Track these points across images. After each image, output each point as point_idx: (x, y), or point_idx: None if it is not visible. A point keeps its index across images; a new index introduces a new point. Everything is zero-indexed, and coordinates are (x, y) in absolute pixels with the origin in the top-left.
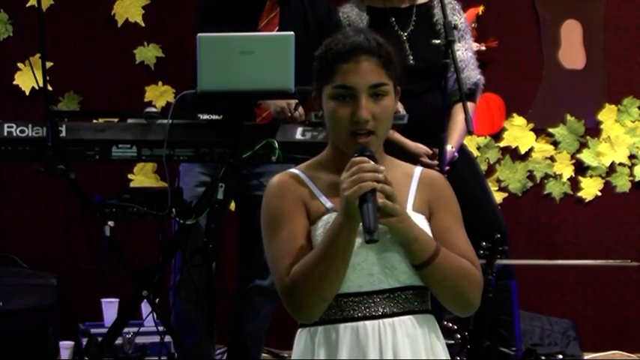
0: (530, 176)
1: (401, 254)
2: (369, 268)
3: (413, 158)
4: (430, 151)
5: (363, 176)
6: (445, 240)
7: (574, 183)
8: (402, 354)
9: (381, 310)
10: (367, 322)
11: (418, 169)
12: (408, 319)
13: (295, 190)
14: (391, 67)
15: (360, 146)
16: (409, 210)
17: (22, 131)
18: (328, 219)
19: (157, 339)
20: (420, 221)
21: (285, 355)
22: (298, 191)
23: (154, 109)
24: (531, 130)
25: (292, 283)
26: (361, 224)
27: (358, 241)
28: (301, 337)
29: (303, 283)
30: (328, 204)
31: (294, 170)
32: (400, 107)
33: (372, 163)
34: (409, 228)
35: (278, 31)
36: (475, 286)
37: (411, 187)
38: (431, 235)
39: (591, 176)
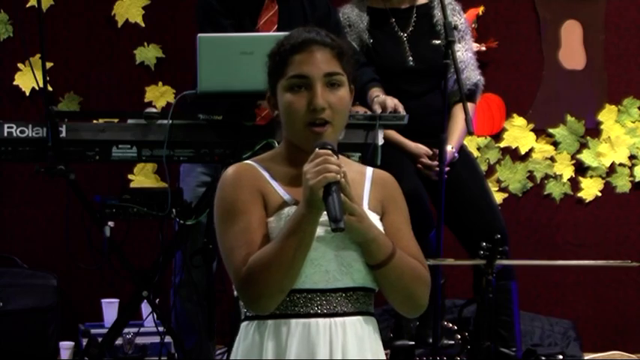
0: (531, 177)
1: (358, 253)
2: (326, 265)
3: (413, 158)
4: (430, 152)
5: (328, 167)
6: (397, 240)
7: (574, 183)
8: (351, 354)
9: (333, 309)
10: (319, 320)
11: (369, 169)
12: (356, 320)
13: (252, 181)
14: (344, 60)
15: (320, 140)
16: (365, 209)
17: (22, 131)
18: (288, 212)
19: (157, 339)
20: (375, 220)
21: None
22: (255, 182)
23: (154, 110)
24: (531, 130)
25: (249, 274)
26: (325, 214)
27: (318, 235)
28: (248, 330)
29: (261, 273)
30: (287, 196)
31: (249, 161)
32: (400, 107)
33: (335, 158)
34: (368, 228)
35: (277, 29)
36: (425, 288)
37: (365, 186)
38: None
39: (591, 177)
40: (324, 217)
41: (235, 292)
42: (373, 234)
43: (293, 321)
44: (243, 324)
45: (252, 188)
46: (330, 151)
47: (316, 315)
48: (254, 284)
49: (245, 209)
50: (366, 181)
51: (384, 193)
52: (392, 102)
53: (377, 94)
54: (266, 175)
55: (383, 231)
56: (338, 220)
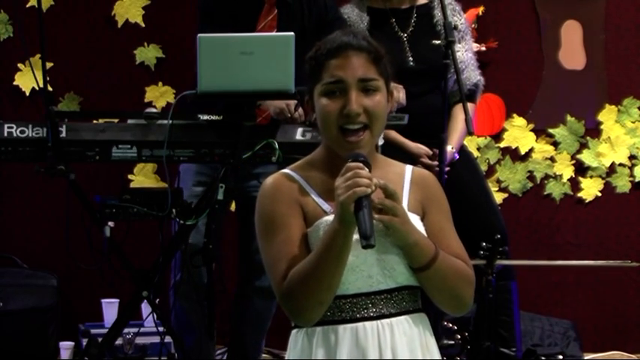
0: (531, 177)
1: (400, 256)
2: (368, 270)
3: (413, 159)
4: (430, 152)
5: (358, 181)
6: (439, 240)
7: (574, 183)
8: (401, 354)
9: (380, 311)
10: (366, 323)
11: (409, 168)
12: (404, 319)
13: (290, 192)
14: (381, 65)
15: (354, 152)
16: (405, 210)
17: (22, 132)
18: (327, 221)
19: (157, 339)
20: (416, 221)
21: (285, 356)
22: (294, 193)
23: (154, 110)
24: (531, 130)
25: (290, 288)
26: (357, 229)
27: (356, 243)
28: (297, 338)
29: (300, 287)
30: (325, 206)
31: (287, 171)
32: (403, 99)
33: (367, 170)
34: (410, 232)
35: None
36: (470, 286)
37: (405, 186)
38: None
39: (591, 177)
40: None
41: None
42: (415, 237)
43: (340, 327)
44: (293, 332)
45: (291, 200)
46: (361, 164)
47: (363, 319)
48: (294, 298)
49: (284, 222)
50: (405, 182)
51: (423, 193)
52: (396, 93)
53: None
54: (304, 184)
55: (424, 231)
56: (368, 236)
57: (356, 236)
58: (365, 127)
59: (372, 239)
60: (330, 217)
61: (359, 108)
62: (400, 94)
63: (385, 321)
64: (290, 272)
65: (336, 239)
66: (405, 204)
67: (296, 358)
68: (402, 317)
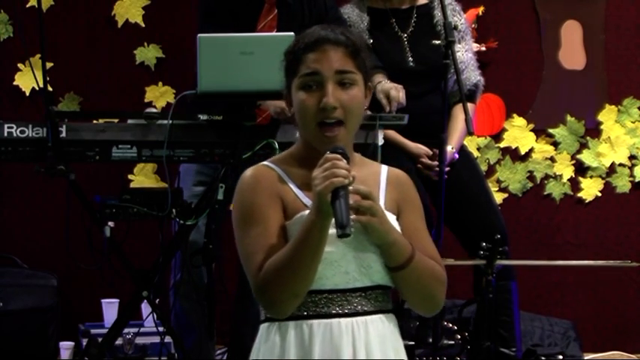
0: (531, 177)
1: (377, 254)
2: (345, 266)
3: (413, 159)
4: (430, 152)
5: (336, 172)
6: (413, 240)
7: (574, 183)
8: (374, 353)
9: (354, 308)
10: (341, 320)
11: (384, 168)
12: (378, 318)
13: (271, 184)
14: (359, 59)
15: (332, 145)
16: (383, 209)
17: (22, 132)
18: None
19: (157, 339)
20: (392, 221)
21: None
22: (274, 185)
23: (154, 110)
24: (531, 130)
25: (265, 279)
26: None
27: (335, 237)
28: (269, 332)
29: (275, 279)
30: (305, 199)
31: (267, 163)
32: (402, 98)
33: (345, 162)
34: (389, 231)
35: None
36: (443, 287)
37: (381, 186)
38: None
39: (591, 177)
40: None
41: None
42: (393, 236)
43: (315, 322)
44: (264, 325)
45: (271, 192)
46: (338, 155)
47: (338, 315)
48: (269, 290)
49: (263, 214)
50: (381, 181)
51: (399, 193)
52: (396, 92)
53: (380, 80)
54: (284, 177)
55: (400, 231)
56: (344, 225)
57: (332, 230)
58: (340, 123)
59: (348, 229)
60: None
61: (335, 102)
62: (400, 93)
63: (360, 319)
64: (266, 263)
65: (313, 231)
66: (381, 203)
67: (267, 352)
68: (376, 316)
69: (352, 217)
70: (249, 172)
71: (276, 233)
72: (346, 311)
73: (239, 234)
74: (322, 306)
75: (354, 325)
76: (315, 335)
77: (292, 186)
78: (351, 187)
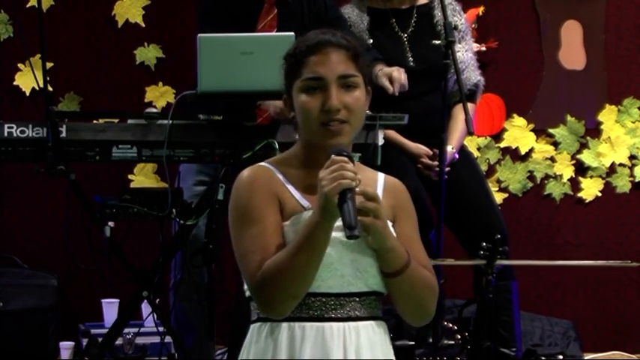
0: (531, 177)
1: (373, 259)
2: (341, 269)
3: (413, 159)
4: (430, 152)
5: (344, 174)
6: (407, 249)
7: (574, 183)
8: (365, 356)
9: (347, 313)
10: (333, 324)
11: (381, 176)
12: (369, 324)
13: (268, 184)
14: (360, 62)
15: (336, 139)
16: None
17: (22, 132)
18: (304, 217)
19: (157, 339)
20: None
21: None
22: (271, 185)
23: (154, 110)
24: (531, 130)
25: (263, 279)
26: (340, 221)
27: (334, 240)
28: (260, 331)
29: (275, 279)
30: (304, 201)
31: (265, 164)
32: (404, 79)
33: (351, 164)
34: (388, 236)
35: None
36: (434, 297)
37: (377, 192)
38: None
39: (591, 177)
40: (341, 221)
41: (247, 293)
42: (392, 242)
43: (307, 324)
44: (255, 325)
45: (268, 192)
46: (345, 158)
47: (330, 319)
48: (268, 290)
49: (260, 214)
50: (378, 189)
51: (395, 201)
52: (398, 74)
53: (381, 67)
54: (282, 178)
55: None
56: (353, 227)
57: (334, 233)
58: (343, 123)
59: (357, 230)
60: (310, 213)
61: (339, 104)
62: (402, 75)
63: (352, 324)
64: (265, 263)
65: (317, 231)
66: (383, 209)
67: (257, 353)
68: (368, 322)
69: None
70: (246, 172)
71: (273, 233)
72: (339, 316)
73: (235, 233)
74: (316, 309)
75: (346, 330)
76: (307, 338)
77: (290, 187)
78: (357, 189)
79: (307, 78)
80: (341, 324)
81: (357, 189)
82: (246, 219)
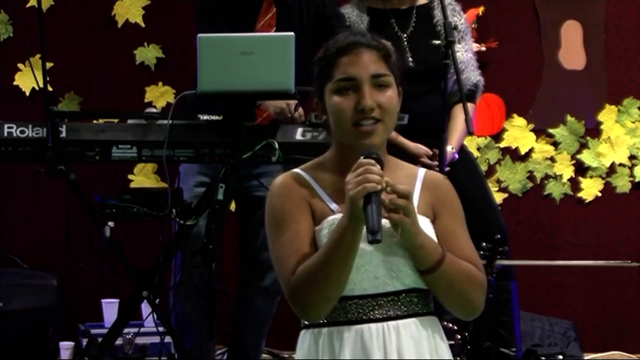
0: (531, 177)
1: (406, 257)
2: (373, 271)
3: (413, 159)
4: (430, 152)
5: (369, 177)
6: (450, 243)
7: (574, 183)
8: (407, 355)
9: (386, 313)
10: (372, 325)
11: (422, 171)
12: (412, 322)
13: (299, 191)
14: (391, 62)
15: (369, 140)
16: (416, 211)
17: (22, 132)
18: (333, 220)
19: (157, 339)
20: (425, 224)
21: (285, 356)
22: (302, 192)
23: (154, 110)
24: (531, 130)
25: (297, 284)
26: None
27: (363, 242)
28: (304, 338)
29: (308, 283)
30: (333, 205)
31: (297, 170)
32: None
33: (379, 167)
34: (418, 233)
35: (275, 32)
36: (480, 290)
37: (415, 189)
38: (436, 239)
39: (591, 177)
40: None
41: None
42: (421, 240)
43: (345, 328)
44: (302, 332)
45: (299, 198)
46: (372, 161)
47: (369, 320)
48: (302, 294)
49: (293, 219)
50: (416, 185)
51: (436, 197)
52: None
53: None
54: (313, 184)
55: (434, 235)
56: (375, 231)
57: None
58: (377, 121)
59: (379, 235)
60: (337, 216)
61: (373, 103)
62: None
63: (391, 323)
64: (298, 268)
65: (345, 235)
66: (414, 206)
67: (302, 358)
68: (410, 320)
69: (385, 214)
70: (279, 179)
71: (306, 238)
72: (377, 316)
73: (271, 240)
74: (353, 312)
75: (385, 330)
76: (346, 341)
77: (321, 192)
78: (388, 187)
79: (340, 79)
80: (380, 324)
81: (388, 188)
82: (279, 226)
